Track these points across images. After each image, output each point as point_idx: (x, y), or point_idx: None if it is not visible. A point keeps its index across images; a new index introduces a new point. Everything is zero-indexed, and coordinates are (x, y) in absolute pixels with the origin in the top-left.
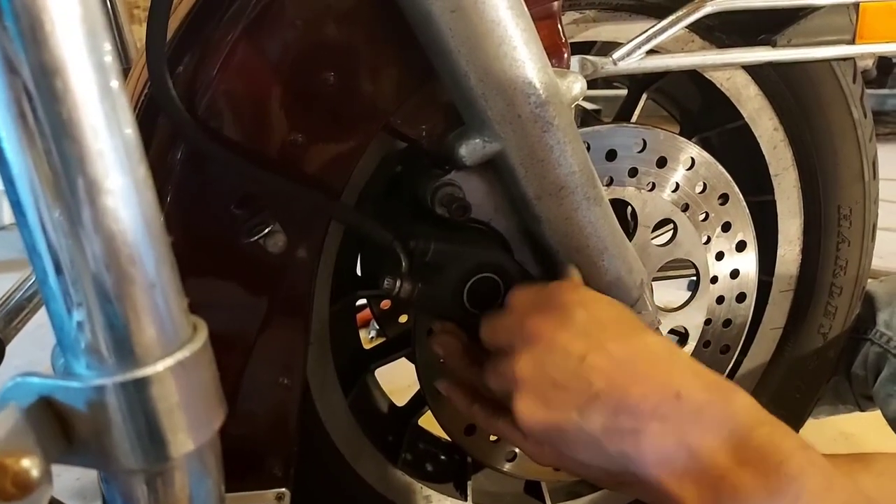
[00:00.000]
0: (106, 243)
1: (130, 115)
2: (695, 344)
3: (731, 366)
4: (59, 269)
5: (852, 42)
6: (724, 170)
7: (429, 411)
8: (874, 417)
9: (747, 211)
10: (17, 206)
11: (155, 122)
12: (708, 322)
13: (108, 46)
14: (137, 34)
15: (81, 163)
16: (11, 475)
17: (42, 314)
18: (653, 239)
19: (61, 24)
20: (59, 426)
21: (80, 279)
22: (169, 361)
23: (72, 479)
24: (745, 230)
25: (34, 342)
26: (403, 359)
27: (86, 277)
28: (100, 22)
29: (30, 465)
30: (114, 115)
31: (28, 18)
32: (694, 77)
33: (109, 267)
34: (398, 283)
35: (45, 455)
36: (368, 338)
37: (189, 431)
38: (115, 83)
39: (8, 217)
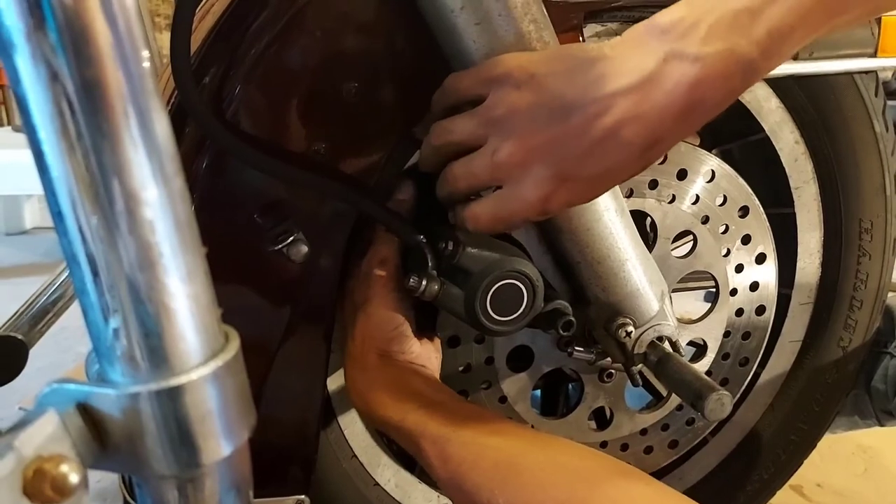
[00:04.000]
0: (143, 253)
1: (168, 125)
2: (714, 356)
3: (749, 378)
4: (96, 277)
5: (874, 55)
6: (744, 182)
7: None
8: (893, 431)
9: (767, 223)
10: (57, 215)
11: (181, 131)
12: (727, 334)
13: (146, 54)
14: (159, 42)
15: (120, 173)
16: (50, 480)
17: (64, 318)
18: (672, 251)
19: (103, 35)
20: (94, 432)
21: (116, 287)
22: (203, 370)
23: (93, 481)
24: (765, 243)
25: (56, 345)
26: None
27: (122, 286)
28: (138, 31)
29: (68, 469)
30: (152, 126)
31: (71, 30)
32: None
33: (146, 276)
34: (424, 282)
35: (81, 460)
36: None
37: (221, 439)
38: (152, 93)
39: (29, 222)
